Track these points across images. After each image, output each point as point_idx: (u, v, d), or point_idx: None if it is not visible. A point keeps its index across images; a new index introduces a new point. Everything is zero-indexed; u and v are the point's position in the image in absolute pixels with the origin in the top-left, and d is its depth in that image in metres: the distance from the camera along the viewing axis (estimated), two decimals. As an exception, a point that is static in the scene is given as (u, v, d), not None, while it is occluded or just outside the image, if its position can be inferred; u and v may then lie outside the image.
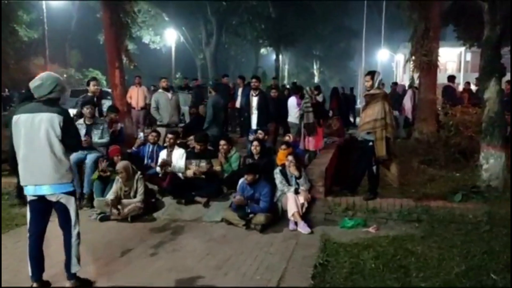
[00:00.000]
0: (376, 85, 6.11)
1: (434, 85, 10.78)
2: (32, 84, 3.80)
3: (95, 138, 6.89)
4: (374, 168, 6.24)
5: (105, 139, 7.01)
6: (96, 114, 7.29)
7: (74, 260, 3.92)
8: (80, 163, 6.84)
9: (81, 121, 6.99)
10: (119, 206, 6.05)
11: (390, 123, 5.98)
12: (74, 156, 6.84)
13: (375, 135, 5.99)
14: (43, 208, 3.90)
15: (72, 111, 4.39)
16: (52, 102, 3.81)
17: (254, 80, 9.00)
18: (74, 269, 3.95)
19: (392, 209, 5.98)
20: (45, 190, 3.79)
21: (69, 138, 3.83)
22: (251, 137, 7.91)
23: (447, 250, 4.72)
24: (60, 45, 28.11)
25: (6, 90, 13.60)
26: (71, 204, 3.90)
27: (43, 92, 3.77)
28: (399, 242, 5.04)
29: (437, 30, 10.55)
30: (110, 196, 6.10)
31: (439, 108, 10.46)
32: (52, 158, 3.75)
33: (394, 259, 4.54)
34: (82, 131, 6.83)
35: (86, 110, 6.94)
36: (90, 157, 6.79)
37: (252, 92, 8.84)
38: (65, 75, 26.39)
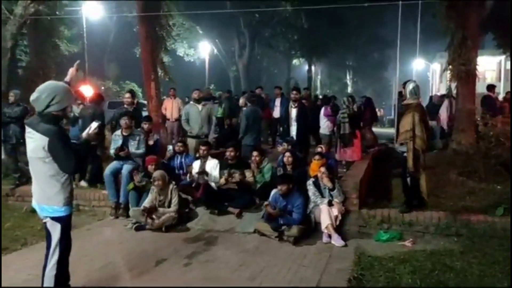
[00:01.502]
0: (408, 95, 6.00)
1: (473, 95, 10.47)
2: (31, 97, 3.46)
3: (132, 149, 7.06)
4: (409, 180, 6.10)
5: (141, 150, 7.16)
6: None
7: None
8: (117, 173, 7.02)
9: (118, 132, 7.21)
10: (153, 216, 6.15)
11: (419, 135, 5.83)
12: (110, 166, 7.06)
13: (407, 146, 5.89)
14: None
15: (95, 124, 3.83)
16: (47, 118, 3.44)
17: (294, 92, 9.04)
18: None
19: (429, 222, 5.82)
20: (37, 209, 3.64)
21: (58, 161, 3.43)
22: (279, 148, 7.94)
23: (488, 266, 4.54)
24: (99, 58, 29.04)
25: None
26: (55, 230, 3.56)
27: (40, 106, 3.42)
28: (437, 257, 4.90)
29: (476, 39, 10.28)
30: (145, 205, 6.22)
31: (478, 119, 10.13)
32: (38, 179, 3.53)
33: (431, 274, 4.41)
34: (119, 142, 7.05)
35: (122, 122, 7.15)
36: (126, 167, 6.95)
37: (291, 103, 8.88)
38: (103, 87, 27.24)
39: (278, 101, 11.85)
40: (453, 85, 10.83)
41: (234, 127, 10.95)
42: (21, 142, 7.66)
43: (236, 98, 14.36)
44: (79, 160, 3.58)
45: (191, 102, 9.11)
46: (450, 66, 10.39)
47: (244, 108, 9.21)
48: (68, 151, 3.45)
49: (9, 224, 6.42)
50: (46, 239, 3.66)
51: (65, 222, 3.61)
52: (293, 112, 8.76)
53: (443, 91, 19.21)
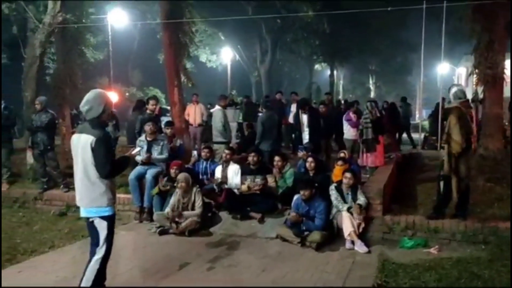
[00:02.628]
0: (452, 98, 5.91)
1: (500, 99, 10.21)
2: (83, 108, 3.80)
3: (155, 154, 7.16)
4: (441, 184, 5.95)
5: (164, 155, 7.27)
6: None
7: (84, 283, 3.76)
8: (141, 177, 7.12)
9: (142, 137, 7.33)
10: (177, 219, 6.21)
11: (455, 138, 5.71)
12: (135, 171, 7.16)
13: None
14: (89, 227, 3.92)
15: (138, 149, 4.14)
16: (96, 123, 3.77)
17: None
18: None
19: (456, 229, 5.70)
20: (82, 212, 3.89)
21: (97, 162, 3.68)
22: (300, 154, 7.91)
23: (518, 275, 4.41)
24: (123, 65, 29.50)
25: (74, 109, 14.58)
26: (102, 228, 3.81)
27: (94, 115, 3.77)
28: (463, 264, 4.79)
29: (503, 41, 10.03)
30: (169, 208, 6.30)
31: (506, 123, 9.89)
32: (84, 181, 3.75)
33: (458, 282, 4.32)
34: (144, 148, 7.16)
35: (147, 127, 7.26)
36: (150, 172, 7.05)
37: (300, 110, 8.90)
38: (127, 94, 27.73)
39: (294, 107, 11.87)
40: (480, 89, 10.61)
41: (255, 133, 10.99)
42: (48, 148, 7.88)
43: (256, 104, 14.44)
44: (115, 168, 3.85)
45: (219, 108, 9.09)
46: (477, 70, 10.18)
47: (260, 114, 9.22)
48: (108, 156, 3.74)
49: (38, 227, 6.60)
50: (91, 237, 3.89)
51: (111, 220, 3.87)
52: (304, 118, 8.76)
53: (469, 95, 18.83)
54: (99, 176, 3.72)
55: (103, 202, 3.77)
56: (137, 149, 4.17)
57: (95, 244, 3.84)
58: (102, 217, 3.80)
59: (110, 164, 3.73)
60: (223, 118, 8.77)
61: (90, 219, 3.83)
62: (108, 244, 3.84)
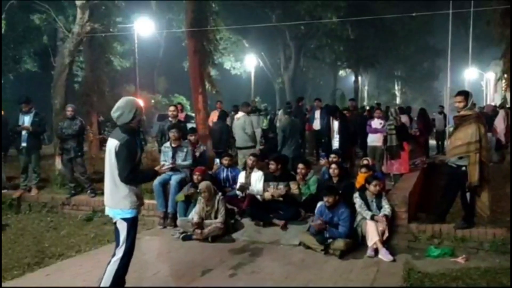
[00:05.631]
0: (468, 105, 5.72)
1: (530, 104, 9.95)
2: (114, 114, 3.92)
3: (179, 160, 7.24)
4: (468, 195, 5.78)
5: (188, 161, 7.34)
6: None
7: (103, 283, 3.88)
8: (165, 183, 7.21)
9: (167, 144, 7.43)
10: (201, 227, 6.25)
11: (485, 146, 5.51)
12: (159, 177, 7.22)
13: (469, 159, 5.52)
14: (114, 228, 4.06)
15: (168, 165, 4.49)
16: (125, 129, 3.91)
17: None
18: None
19: (484, 238, 5.54)
20: (110, 214, 4.03)
21: (118, 166, 3.83)
22: (322, 161, 7.84)
23: (550, 287, 4.27)
24: (149, 72, 30.05)
25: (100, 116, 14.89)
26: (122, 229, 3.94)
27: (124, 120, 3.91)
28: (492, 275, 4.67)
29: (534, 46, 9.79)
30: (194, 217, 6.34)
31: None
32: (111, 183, 3.92)
33: (487, 293, 4.20)
34: (169, 154, 7.27)
35: (171, 134, 7.37)
36: (175, 178, 7.13)
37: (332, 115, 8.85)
38: (153, 101, 28.20)
39: (317, 113, 11.84)
40: (509, 94, 10.36)
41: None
42: (78, 155, 8.07)
43: (273, 113, 14.46)
44: (136, 175, 3.98)
45: (243, 114, 9.08)
46: (506, 75, 9.96)
47: (281, 120, 9.23)
48: (128, 161, 3.84)
49: (65, 232, 6.76)
50: (115, 238, 4.01)
51: (132, 222, 3.97)
52: (335, 124, 8.69)
53: (497, 101, 18.40)
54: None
55: (126, 205, 3.90)
56: (167, 165, 4.40)
57: (116, 245, 3.97)
58: (123, 219, 3.92)
59: (129, 170, 3.83)
60: (250, 124, 8.81)
61: (114, 220, 3.99)
62: (128, 246, 3.93)
